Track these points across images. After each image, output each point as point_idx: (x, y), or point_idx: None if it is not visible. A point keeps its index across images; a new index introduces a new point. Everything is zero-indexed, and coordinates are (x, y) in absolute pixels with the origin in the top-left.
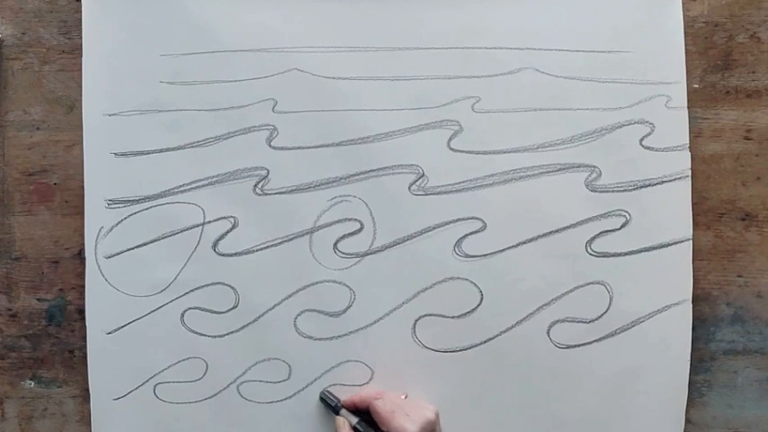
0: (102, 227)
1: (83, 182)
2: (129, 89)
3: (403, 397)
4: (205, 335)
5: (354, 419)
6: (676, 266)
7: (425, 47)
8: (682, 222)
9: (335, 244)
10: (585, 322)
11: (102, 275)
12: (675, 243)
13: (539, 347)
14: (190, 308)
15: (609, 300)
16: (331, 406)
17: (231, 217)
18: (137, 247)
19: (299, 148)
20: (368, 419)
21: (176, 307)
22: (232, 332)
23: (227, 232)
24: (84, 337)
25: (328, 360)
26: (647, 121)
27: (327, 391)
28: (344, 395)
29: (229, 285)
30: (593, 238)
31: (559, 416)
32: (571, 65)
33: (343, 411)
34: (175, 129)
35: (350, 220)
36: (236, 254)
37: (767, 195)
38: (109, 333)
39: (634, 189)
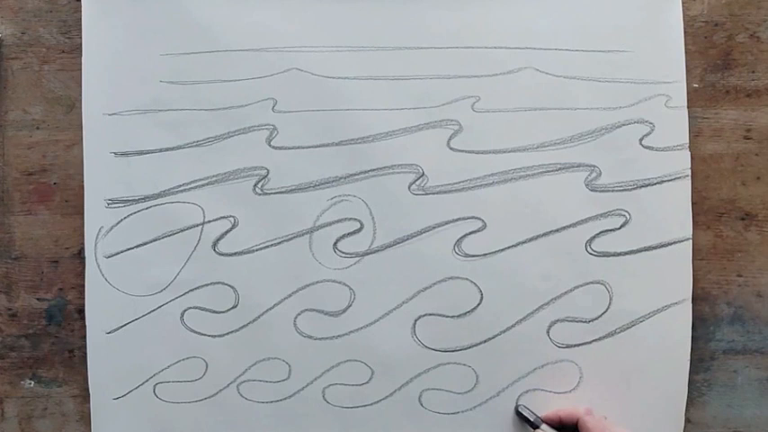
0: (102, 226)
1: (83, 181)
2: (129, 89)
3: (604, 418)
4: (205, 334)
5: None
6: (676, 266)
7: (425, 47)
8: (681, 222)
9: (335, 243)
10: (585, 322)
11: (102, 275)
12: (675, 243)
13: (539, 347)
14: (189, 307)
15: (609, 299)
16: (529, 420)
17: (231, 216)
18: (137, 246)
19: (298, 147)
20: None
21: (176, 306)
22: (232, 332)
23: (227, 232)
24: (84, 337)
25: (328, 360)
26: (646, 121)
27: (524, 406)
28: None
29: (229, 285)
30: (592, 238)
31: None
32: (571, 65)
33: (544, 426)
34: (175, 128)
35: (350, 219)
36: (235, 253)
37: (767, 195)
38: (109, 333)
39: (634, 189)
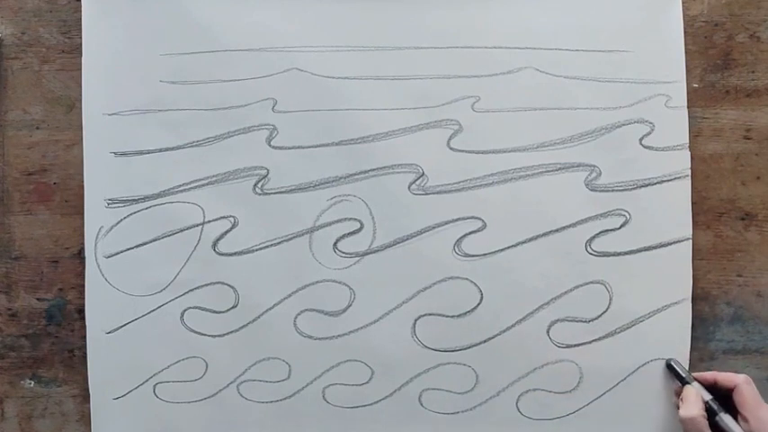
0: (102, 226)
1: (83, 181)
2: (128, 89)
3: None
4: (205, 334)
5: (708, 395)
6: (676, 266)
7: (425, 47)
8: (681, 222)
9: (335, 243)
10: (585, 322)
11: (102, 275)
12: (675, 242)
13: (538, 347)
14: (189, 307)
15: (609, 299)
16: (681, 375)
17: (231, 216)
18: (136, 246)
19: (298, 147)
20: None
21: (176, 306)
22: (232, 332)
23: (227, 232)
24: (84, 337)
25: (328, 360)
26: (646, 121)
27: (676, 360)
28: None
29: (229, 285)
30: (592, 238)
31: (559, 415)
32: (571, 65)
33: (696, 384)
34: (175, 128)
35: (350, 219)
36: (235, 253)
37: (767, 195)
38: (108, 333)
39: (634, 188)
